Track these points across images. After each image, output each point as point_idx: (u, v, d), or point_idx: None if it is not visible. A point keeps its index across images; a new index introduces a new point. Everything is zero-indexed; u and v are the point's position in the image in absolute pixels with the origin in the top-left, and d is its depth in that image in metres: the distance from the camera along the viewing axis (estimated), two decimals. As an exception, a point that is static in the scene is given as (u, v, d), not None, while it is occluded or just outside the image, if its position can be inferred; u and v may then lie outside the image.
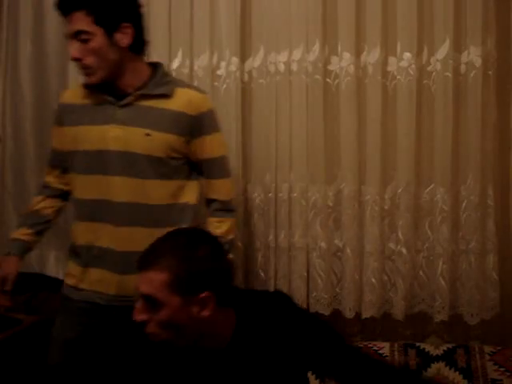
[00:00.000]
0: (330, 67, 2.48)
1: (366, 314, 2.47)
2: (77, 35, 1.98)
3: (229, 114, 2.53)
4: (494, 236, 2.40)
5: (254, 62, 2.52)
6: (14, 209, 2.83)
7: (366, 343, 2.40)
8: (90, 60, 2.00)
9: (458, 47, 2.38)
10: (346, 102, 2.45)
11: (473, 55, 2.35)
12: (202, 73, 2.57)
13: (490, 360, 2.22)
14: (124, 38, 2.01)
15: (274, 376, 1.62)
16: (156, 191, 2.09)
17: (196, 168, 2.17)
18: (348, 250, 2.48)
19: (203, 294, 1.51)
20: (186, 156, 2.12)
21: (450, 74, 2.37)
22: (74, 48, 1.99)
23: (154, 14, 2.58)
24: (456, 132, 2.40)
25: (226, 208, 2.19)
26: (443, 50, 2.37)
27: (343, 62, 2.44)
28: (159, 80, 2.09)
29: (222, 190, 2.19)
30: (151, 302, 1.51)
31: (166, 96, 2.06)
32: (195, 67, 2.58)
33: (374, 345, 2.37)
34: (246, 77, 2.56)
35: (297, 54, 2.47)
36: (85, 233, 2.13)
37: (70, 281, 2.18)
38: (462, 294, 2.43)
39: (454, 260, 2.43)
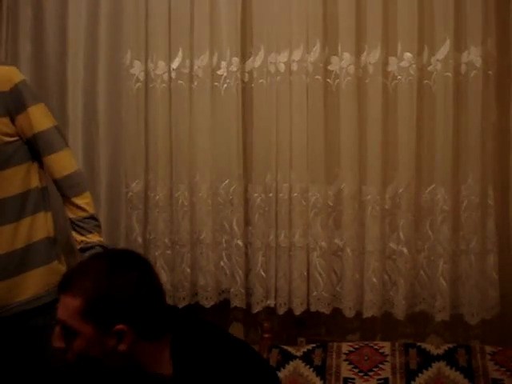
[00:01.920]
0: (331, 67, 2.48)
1: (366, 314, 2.48)
2: None
3: (229, 114, 2.54)
4: (495, 236, 2.40)
5: (255, 62, 2.52)
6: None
7: (366, 342, 2.41)
8: None
9: (458, 47, 2.38)
10: (346, 102, 2.45)
11: (473, 55, 2.34)
12: (202, 73, 2.56)
13: (491, 360, 2.22)
14: None
15: None
16: (4, 183, 2.04)
17: (31, 148, 2.09)
18: (348, 250, 2.48)
19: (118, 327, 1.38)
20: (18, 135, 2.05)
21: (450, 74, 2.36)
22: None
23: (153, 13, 2.59)
24: (456, 132, 2.40)
25: (77, 180, 2.15)
26: (443, 50, 2.37)
27: (343, 62, 2.44)
28: None
29: (65, 163, 2.13)
30: (66, 330, 1.40)
31: None
32: (195, 67, 2.58)
33: (375, 344, 2.37)
34: (247, 77, 2.56)
35: (297, 54, 2.46)
36: None
37: None
38: (462, 293, 2.43)
39: (454, 260, 2.43)
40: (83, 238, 2.14)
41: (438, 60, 2.38)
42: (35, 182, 2.12)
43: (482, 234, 2.40)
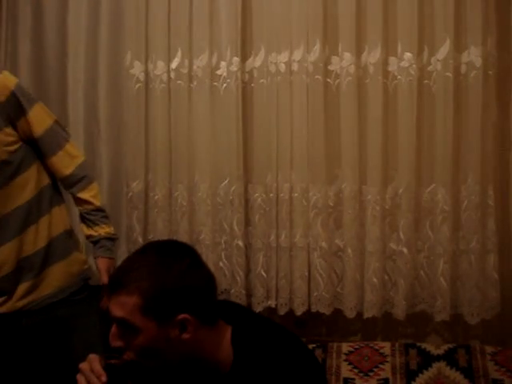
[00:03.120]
0: (331, 67, 2.48)
1: (367, 314, 2.48)
2: None
3: (229, 114, 2.54)
4: (495, 236, 2.40)
5: (255, 61, 2.52)
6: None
7: (366, 343, 2.41)
8: None
9: (458, 47, 2.38)
10: (346, 102, 2.45)
11: (473, 55, 2.35)
12: (202, 73, 2.57)
13: (491, 360, 2.21)
14: None
15: None
16: (20, 190, 2.06)
17: (34, 148, 2.11)
18: (349, 250, 2.48)
19: (180, 317, 1.39)
20: (22, 139, 2.07)
21: (450, 74, 2.36)
22: None
23: (153, 14, 2.59)
24: (456, 132, 2.40)
25: (80, 175, 2.17)
26: (443, 50, 2.37)
27: (344, 62, 2.44)
28: None
29: (65, 162, 2.15)
30: (126, 327, 1.39)
31: None
32: (194, 67, 2.58)
33: (375, 344, 2.36)
34: (247, 77, 2.56)
35: (297, 54, 2.47)
36: None
37: None
38: (462, 293, 2.42)
39: (454, 260, 2.43)
40: (90, 232, 2.19)
41: (438, 60, 2.38)
42: (46, 179, 2.15)
43: (482, 234, 2.40)
